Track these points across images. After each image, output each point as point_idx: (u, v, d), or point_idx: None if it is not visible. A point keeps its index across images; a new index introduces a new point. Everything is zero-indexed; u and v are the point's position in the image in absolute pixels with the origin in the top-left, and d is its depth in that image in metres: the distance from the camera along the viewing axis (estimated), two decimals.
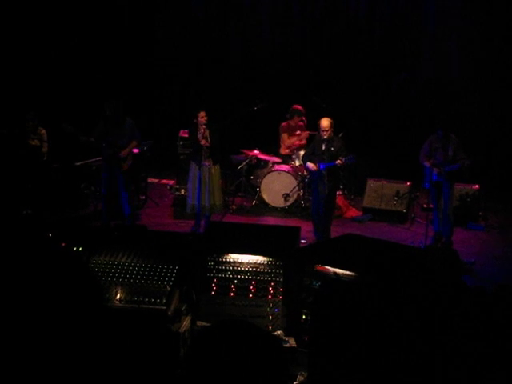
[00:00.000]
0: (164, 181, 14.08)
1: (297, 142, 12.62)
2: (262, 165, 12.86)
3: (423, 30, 14.70)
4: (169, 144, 13.06)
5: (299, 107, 12.62)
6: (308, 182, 11.54)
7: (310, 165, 10.09)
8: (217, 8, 15.61)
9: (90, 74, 15.06)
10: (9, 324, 2.03)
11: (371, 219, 12.12)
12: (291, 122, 12.66)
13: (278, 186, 12.27)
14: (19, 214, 10.58)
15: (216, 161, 10.57)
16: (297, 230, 6.55)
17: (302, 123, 12.72)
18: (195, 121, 10.38)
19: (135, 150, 11.07)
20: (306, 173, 11.53)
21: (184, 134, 12.24)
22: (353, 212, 12.50)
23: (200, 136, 10.31)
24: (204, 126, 10.30)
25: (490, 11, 14.12)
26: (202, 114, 10.33)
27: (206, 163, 10.41)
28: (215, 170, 10.58)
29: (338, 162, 9.83)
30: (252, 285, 5.34)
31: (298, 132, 12.68)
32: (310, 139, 11.74)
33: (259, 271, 5.36)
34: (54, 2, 14.95)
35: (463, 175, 10.47)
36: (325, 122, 10.01)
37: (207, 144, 10.29)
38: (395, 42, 14.79)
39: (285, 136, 12.75)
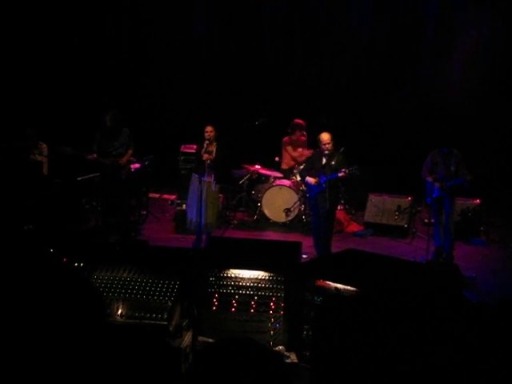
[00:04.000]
0: (165, 196, 14.10)
1: (303, 154, 12.58)
2: (263, 180, 12.86)
3: (424, 45, 14.74)
4: (170, 159, 13.08)
5: (300, 121, 12.64)
6: (309, 198, 11.49)
7: (310, 179, 10.05)
8: (218, 22, 15.67)
9: (90, 87, 15.12)
10: (11, 339, 2.03)
11: (372, 234, 12.11)
12: (293, 137, 12.68)
13: (279, 200, 12.26)
14: (20, 230, 10.56)
15: (218, 179, 10.48)
16: (298, 245, 6.55)
17: (303, 138, 12.73)
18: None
19: (136, 165, 11.14)
20: (305, 187, 11.47)
21: (185, 149, 12.27)
22: (354, 227, 12.50)
23: (203, 151, 10.29)
24: (207, 142, 10.26)
25: (492, 25, 14.19)
26: (209, 128, 10.29)
27: (206, 178, 10.34)
28: (216, 187, 10.48)
29: (341, 174, 9.78)
30: (253, 300, 5.34)
31: (300, 149, 12.69)
32: None
33: (260, 286, 5.36)
34: (53, 15, 15.01)
35: (464, 190, 10.46)
36: (326, 136, 9.99)
37: (210, 158, 10.24)
38: (396, 57, 14.83)
39: (289, 148, 12.76)
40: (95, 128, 10.79)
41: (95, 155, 10.56)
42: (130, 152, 10.88)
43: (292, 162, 12.73)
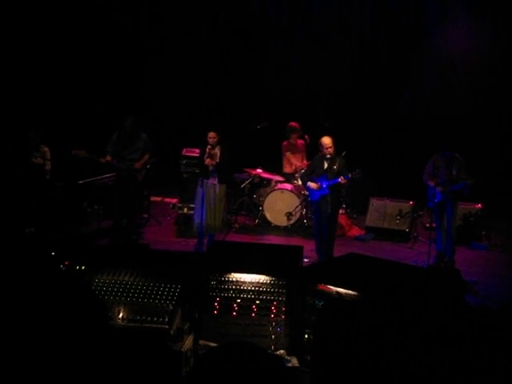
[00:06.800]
0: (167, 199, 14.09)
1: (299, 164, 12.60)
2: (264, 183, 12.86)
3: (426, 50, 14.74)
4: (172, 162, 13.09)
5: (294, 124, 12.63)
6: (310, 202, 11.47)
7: (312, 184, 10.05)
8: (220, 28, 15.68)
9: (93, 89, 15.13)
10: (13, 342, 2.03)
11: (374, 238, 12.10)
12: (291, 141, 12.70)
13: (280, 204, 12.26)
14: (22, 233, 10.57)
15: (222, 180, 10.57)
16: (299, 249, 6.55)
17: (302, 141, 12.73)
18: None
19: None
20: (307, 192, 11.46)
21: (187, 152, 12.31)
22: (355, 231, 12.48)
23: (206, 155, 10.36)
24: (210, 147, 10.35)
25: (495, 30, 14.21)
26: (211, 134, 10.40)
27: (210, 181, 10.43)
28: (220, 189, 10.57)
29: (346, 179, 9.77)
30: (255, 304, 5.33)
31: (300, 158, 12.70)
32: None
33: (262, 290, 5.35)
34: (58, 15, 15.03)
35: (464, 196, 10.45)
36: (327, 139, 9.99)
37: (212, 163, 10.33)
38: (399, 62, 14.83)
39: (288, 154, 12.77)
40: (98, 132, 10.86)
41: (109, 157, 10.77)
42: (147, 157, 11.08)
43: (293, 167, 12.71)
